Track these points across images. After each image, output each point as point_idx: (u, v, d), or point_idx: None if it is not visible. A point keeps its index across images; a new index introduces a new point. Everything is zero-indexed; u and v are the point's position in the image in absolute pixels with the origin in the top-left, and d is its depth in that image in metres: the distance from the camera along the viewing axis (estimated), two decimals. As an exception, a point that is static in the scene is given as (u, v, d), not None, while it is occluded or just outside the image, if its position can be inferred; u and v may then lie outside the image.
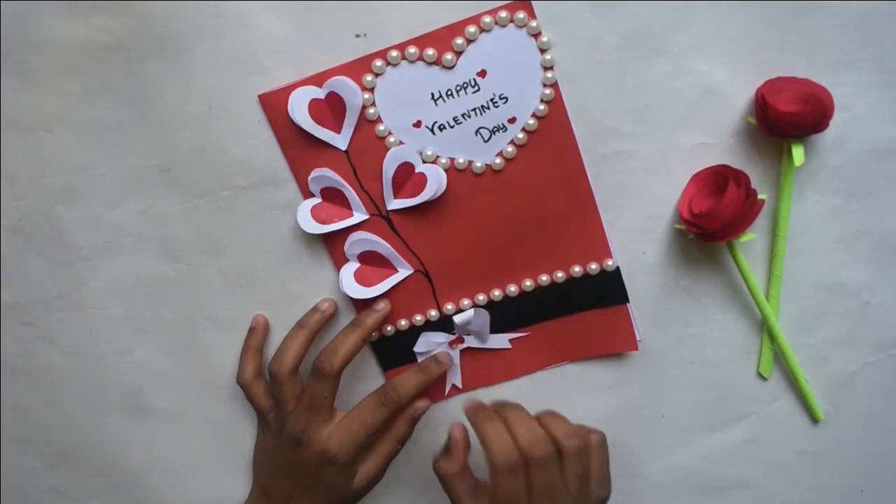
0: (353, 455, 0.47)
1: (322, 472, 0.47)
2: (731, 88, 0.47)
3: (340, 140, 0.47)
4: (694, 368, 0.52)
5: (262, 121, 0.47)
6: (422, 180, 0.48)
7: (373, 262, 0.50)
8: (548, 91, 0.46)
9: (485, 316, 0.51)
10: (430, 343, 0.52)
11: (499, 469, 0.43)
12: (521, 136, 0.47)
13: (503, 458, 0.43)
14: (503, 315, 0.52)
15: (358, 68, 0.46)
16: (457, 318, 0.50)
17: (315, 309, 0.51)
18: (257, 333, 0.51)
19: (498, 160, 0.48)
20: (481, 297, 0.51)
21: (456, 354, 0.52)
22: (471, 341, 0.52)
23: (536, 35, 0.45)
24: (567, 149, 0.48)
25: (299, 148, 0.48)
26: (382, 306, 0.50)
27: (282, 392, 0.48)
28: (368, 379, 0.53)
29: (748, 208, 0.46)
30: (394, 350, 0.52)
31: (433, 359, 0.50)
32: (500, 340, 0.52)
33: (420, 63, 0.46)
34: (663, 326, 0.52)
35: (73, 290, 0.52)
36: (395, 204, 0.49)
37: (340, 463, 0.47)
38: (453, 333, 0.52)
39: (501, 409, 0.46)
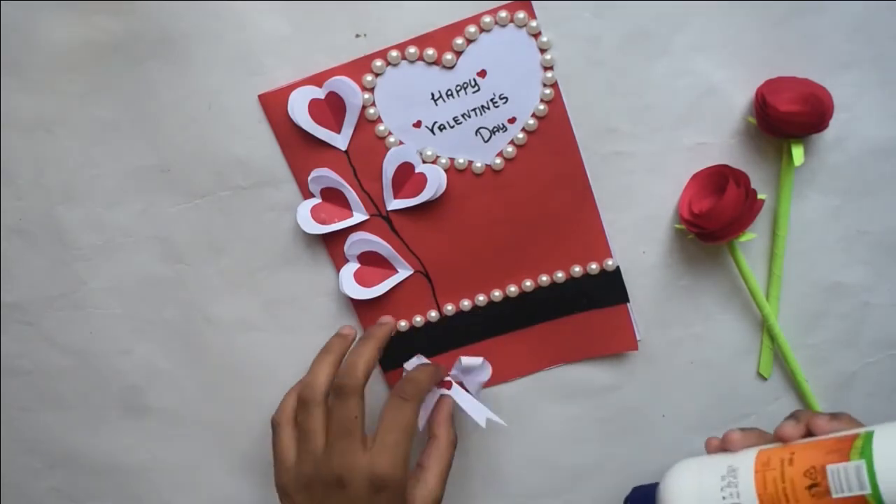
0: (405, 469, 0.43)
1: (376, 502, 0.42)
2: (731, 88, 0.47)
3: (340, 140, 0.47)
4: (694, 368, 0.52)
5: (262, 121, 0.47)
6: (422, 180, 0.48)
7: (373, 263, 0.50)
8: (548, 91, 0.46)
9: (487, 371, 0.50)
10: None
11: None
12: (521, 136, 0.47)
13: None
14: (503, 315, 0.51)
15: (358, 68, 0.46)
16: (464, 360, 0.49)
17: (338, 334, 0.49)
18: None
19: (498, 160, 0.48)
20: (481, 298, 0.51)
21: (434, 397, 0.49)
22: (455, 392, 0.49)
23: (536, 35, 0.45)
24: (567, 149, 0.48)
25: (299, 148, 0.48)
26: (388, 319, 0.51)
27: (314, 420, 0.44)
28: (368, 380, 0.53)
29: (748, 208, 0.46)
30: (394, 351, 0.52)
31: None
32: (479, 412, 0.48)
33: (420, 63, 0.46)
34: (663, 326, 0.52)
35: (73, 290, 0.52)
36: (395, 204, 0.49)
37: (394, 483, 0.42)
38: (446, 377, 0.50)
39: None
